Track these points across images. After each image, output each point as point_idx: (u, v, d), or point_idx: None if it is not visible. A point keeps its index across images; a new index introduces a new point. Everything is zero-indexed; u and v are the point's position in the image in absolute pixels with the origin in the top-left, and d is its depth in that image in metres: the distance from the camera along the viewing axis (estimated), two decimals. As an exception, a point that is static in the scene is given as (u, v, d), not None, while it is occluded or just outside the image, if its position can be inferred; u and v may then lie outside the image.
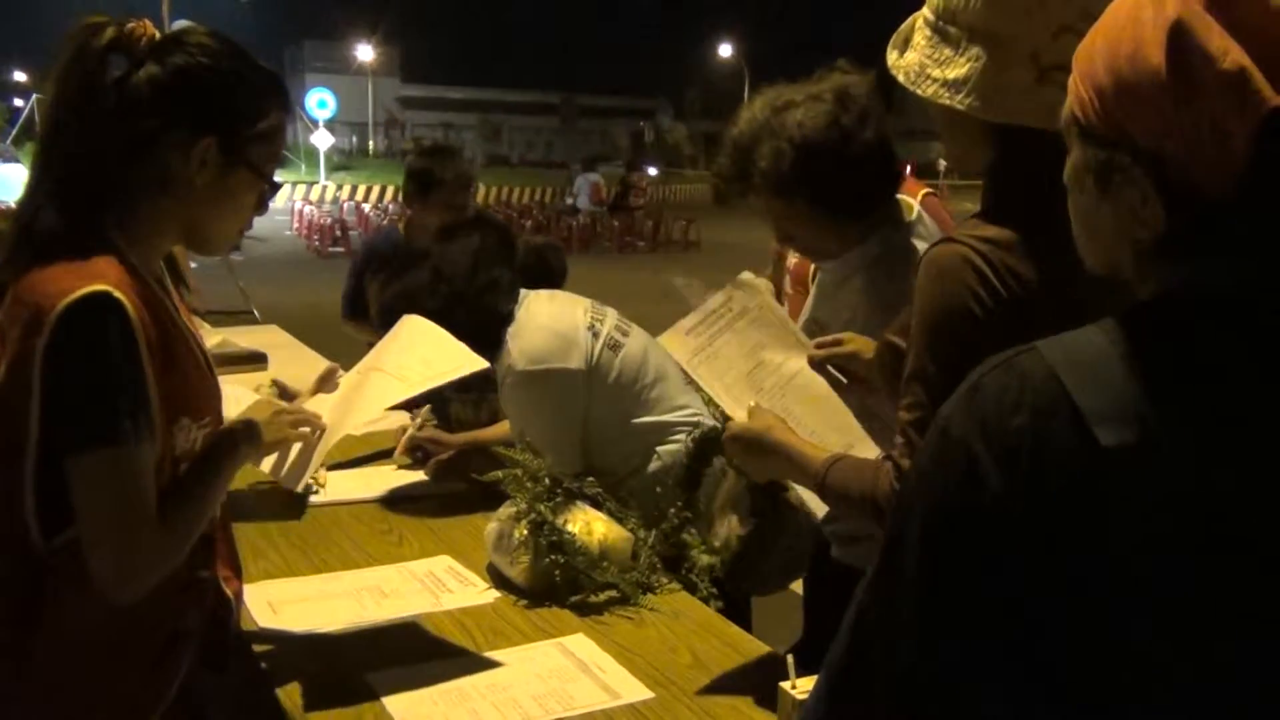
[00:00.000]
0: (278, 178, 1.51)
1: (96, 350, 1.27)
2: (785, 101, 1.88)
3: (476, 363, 1.85)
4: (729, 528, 2.09)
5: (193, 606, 1.48)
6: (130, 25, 1.38)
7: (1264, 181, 0.71)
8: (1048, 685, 0.72)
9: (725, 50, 61.99)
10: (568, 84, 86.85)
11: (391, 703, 1.60)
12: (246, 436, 1.54)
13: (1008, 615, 0.73)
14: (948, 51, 1.38)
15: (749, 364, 1.73)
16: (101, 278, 1.29)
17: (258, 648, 1.77)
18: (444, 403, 2.87)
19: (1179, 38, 0.73)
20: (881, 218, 1.96)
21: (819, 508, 1.59)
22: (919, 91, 1.40)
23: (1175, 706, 0.69)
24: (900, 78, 1.44)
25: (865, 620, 0.79)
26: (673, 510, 2.10)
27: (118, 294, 1.28)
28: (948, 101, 1.37)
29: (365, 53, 58.99)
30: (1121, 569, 0.69)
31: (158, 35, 1.40)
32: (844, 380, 1.73)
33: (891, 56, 1.47)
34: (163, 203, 1.41)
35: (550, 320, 2.40)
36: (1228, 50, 0.71)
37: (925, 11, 1.44)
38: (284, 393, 2.65)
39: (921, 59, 1.40)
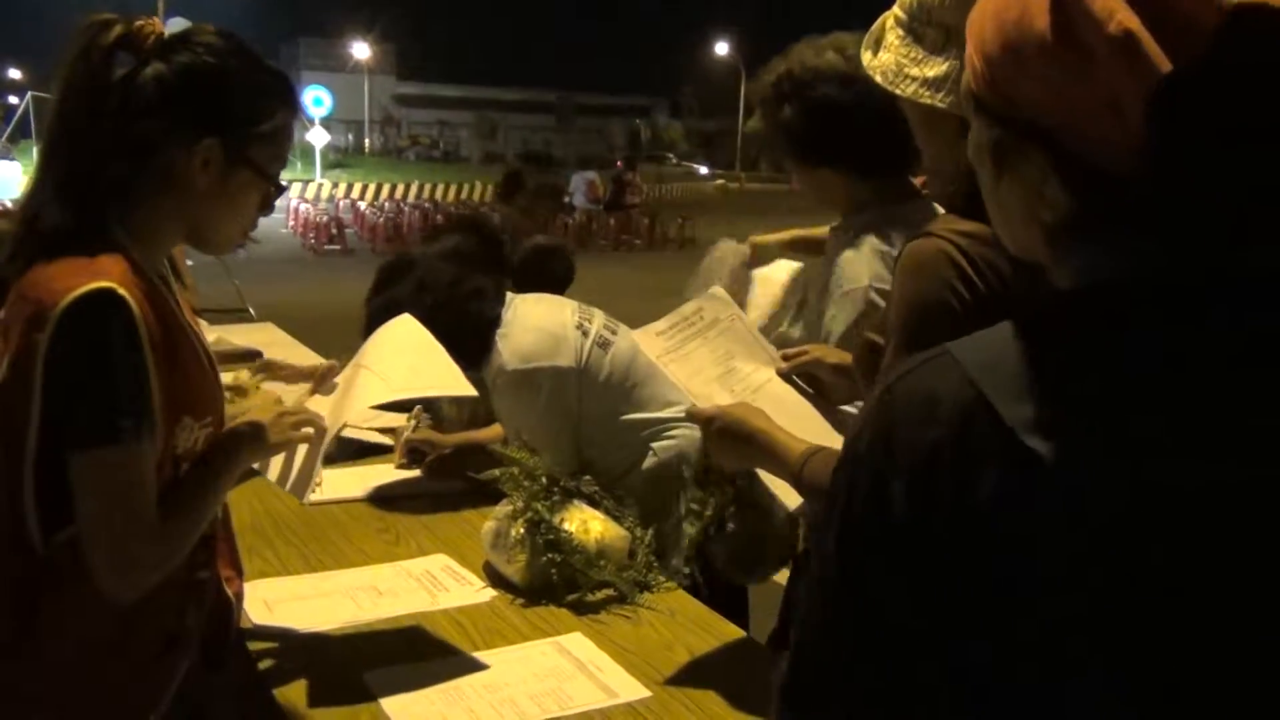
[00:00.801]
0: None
1: (99, 347, 1.27)
2: (852, 53, 1.88)
3: (464, 387, 1.81)
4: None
5: (193, 606, 1.47)
6: (139, 23, 1.37)
7: (1164, 156, 0.65)
8: (976, 687, 0.69)
9: (722, 49, 62.02)
10: (564, 82, 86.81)
11: (388, 703, 1.59)
12: (250, 438, 1.50)
13: (933, 622, 0.69)
14: (923, 50, 1.37)
15: (719, 369, 1.73)
16: (106, 275, 1.29)
17: (253, 646, 1.77)
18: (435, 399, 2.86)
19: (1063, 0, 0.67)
20: (881, 191, 1.94)
21: (791, 500, 1.58)
22: (897, 90, 1.40)
23: (1105, 708, 0.66)
24: (877, 78, 1.43)
25: (806, 628, 0.77)
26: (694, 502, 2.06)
27: (121, 291, 1.28)
28: (929, 100, 1.36)
29: (361, 50, 58.96)
30: (1052, 574, 0.65)
31: (165, 33, 1.40)
32: (810, 390, 1.75)
33: (865, 57, 1.46)
34: (166, 202, 1.40)
35: (539, 320, 2.40)
36: (1114, 12, 0.65)
37: (896, 10, 1.43)
38: (271, 368, 2.66)
39: (898, 58, 1.40)
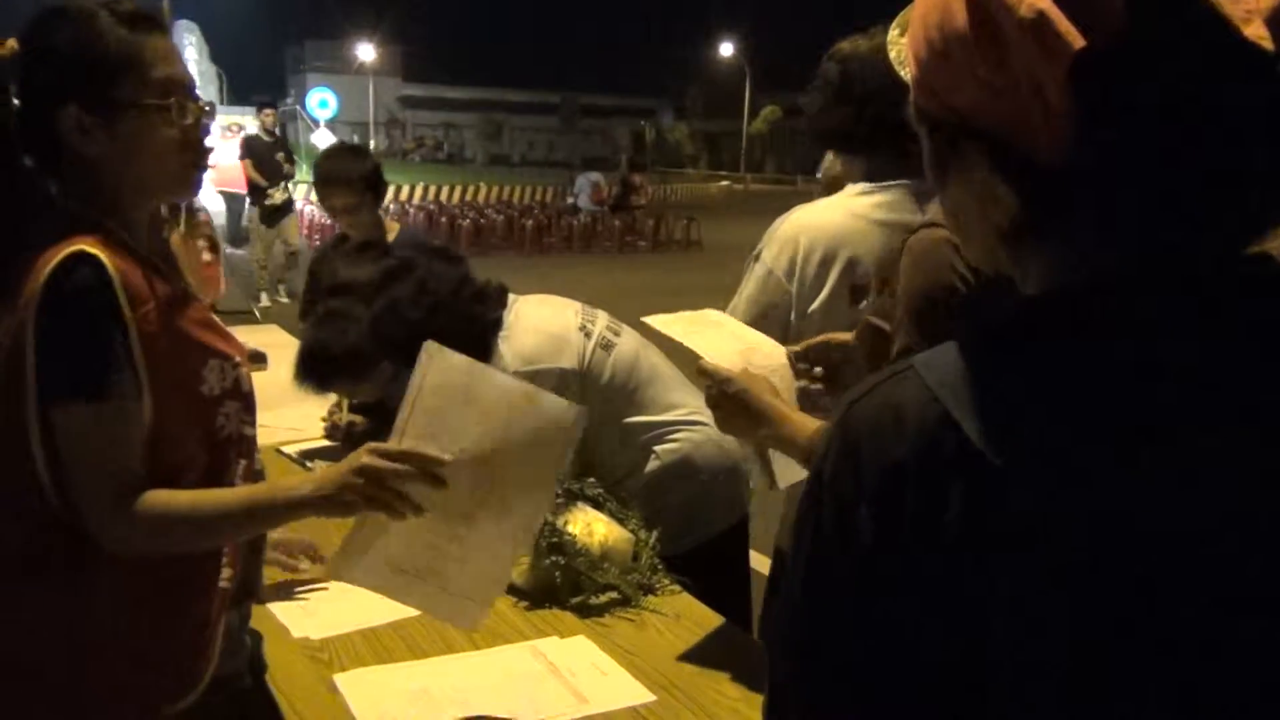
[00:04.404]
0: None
1: (73, 304, 1.31)
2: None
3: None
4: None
5: (228, 566, 1.50)
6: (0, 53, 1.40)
7: (1092, 139, 0.64)
8: (953, 713, 0.67)
9: (726, 50, 62.05)
10: (568, 83, 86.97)
11: (356, 705, 1.59)
12: (308, 502, 1.43)
13: (904, 648, 0.68)
14: None
15: (740, 346, 1.75)
16: (78, 243, 1.33)
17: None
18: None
19: None
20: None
21: (788, 476, 1.60)
22: (902, 73, 1.44)
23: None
24: (892, 53, 1.47)
25: (780, 659, 0.75)
26: None
27: (92, 250, 1.32)
28: None
29: (366, 52, 59.03)
30: (1019, 589, 0.63)
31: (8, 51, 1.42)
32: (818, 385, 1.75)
33: (893, 33, 1.50)
34: (98, 178, 1.41)
35: (542, 322, 2.40)
36: None
37: None
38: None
39: None
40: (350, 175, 3.69)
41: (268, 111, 11.22)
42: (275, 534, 1.99)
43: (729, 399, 1.60)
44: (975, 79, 0.68)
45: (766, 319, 2.04)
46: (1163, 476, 0.63)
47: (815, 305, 2.00)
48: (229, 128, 16.42)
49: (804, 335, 1.96)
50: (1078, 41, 0.62)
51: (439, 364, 1.45)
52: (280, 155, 10.62)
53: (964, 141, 0.71)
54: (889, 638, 0.68)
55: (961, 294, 1.34)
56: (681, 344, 1.72)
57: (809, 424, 1.51)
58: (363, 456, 1.41)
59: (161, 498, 1.35)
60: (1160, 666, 0.63)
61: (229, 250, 13.01)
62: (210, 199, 13.45)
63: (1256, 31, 0.61)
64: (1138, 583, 0.63)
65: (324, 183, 3.71)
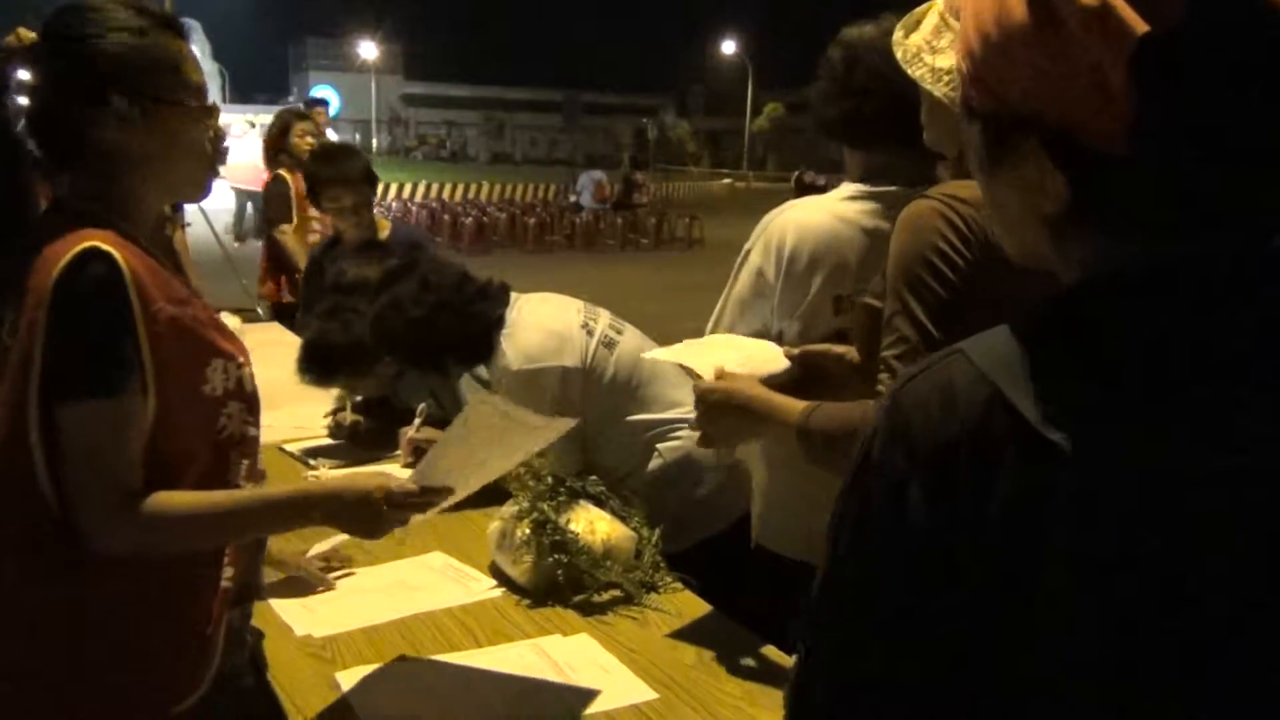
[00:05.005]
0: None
1: (85, 300, 1.31)
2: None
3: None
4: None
5: (230, 566, 1.50)
6: (7, 41, 1.41)
7: (1153, 125, 0.64)
8: (1004, 693, 0.68)
9: (729, 48, 62.03)
10: (571, 81, 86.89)
11: (359, 703, 1.59)
12: (323, 512, 1.48)
13: (955, 627, 0.68)
14: (945, 41, 1.42)
15: (739, 355, 1.76)
16: (91, 238, 1.33)
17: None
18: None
19: None
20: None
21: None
22: (910, 72, 1.47)
23: (1122, 703, 0.65)
24: (898, 54, 1.49)
25: (820, 643, 0.75)
26: None
27: (106, 246, 1.32)
28: (930, 87, 1.43)
29: (368, 50, 59.07)
30: (1073, 566, 0.64)
31: (31, 38, 1.42)
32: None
33: (898, 35, 1.51)
34: (119, 173, 1.42)
35: (544, 320, 2.40)
36: None
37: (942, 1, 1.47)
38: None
39: (921, 42, 1.46)
40: (357, 175, 3.74)
41: (319, 110, 9.40)
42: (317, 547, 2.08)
43: (713, 409, 1.62)
44: (1032, 69, 0.69)
45: (753, 316, 2.04)
46: (1196, 470, 0.63)
47: (799, 310, 1.97)
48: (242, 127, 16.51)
49: (786, 338, 1.96)
50: (1140, 26, 0.64)
51: (482, 412, 1.57)
52: None
53: (1015, 134, 0.72)
54: (940, 618, 0.69)
55: (949, 258, 1.38)
56: (684, 365, 1.73)
57: (795, 404, 1.54)
58: (382, 505, 1.46)
59: (160, 498, 1.36)
60: (1189, 662, 0.63)
61: (235, 245, 13.04)
62: (223, 194, 13.49)
63: None
64: (1165, 580, 0.63)
65: (331, 184, 3.74)
